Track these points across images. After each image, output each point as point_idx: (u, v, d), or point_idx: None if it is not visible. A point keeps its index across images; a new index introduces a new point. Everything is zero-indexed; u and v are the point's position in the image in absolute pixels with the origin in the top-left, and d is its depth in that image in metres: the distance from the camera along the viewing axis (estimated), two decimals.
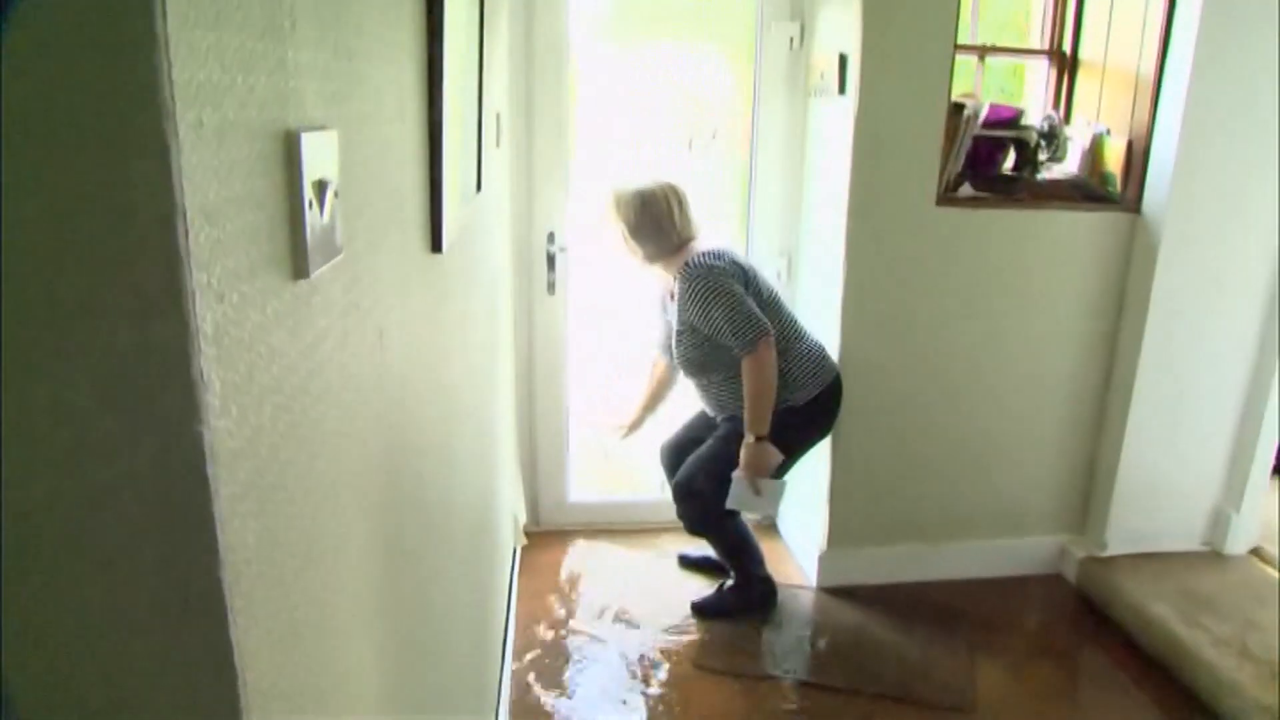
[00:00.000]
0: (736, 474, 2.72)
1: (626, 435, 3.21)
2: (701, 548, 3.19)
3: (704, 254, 2.71)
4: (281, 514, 0.61)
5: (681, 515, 2.92)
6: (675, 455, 3.05)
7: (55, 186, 0.41)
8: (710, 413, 2.96)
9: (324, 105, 0.71)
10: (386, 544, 0.97)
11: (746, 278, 2.73)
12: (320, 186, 0.67)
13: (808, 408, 2.80)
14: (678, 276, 2.71)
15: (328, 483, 0.73)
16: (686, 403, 3.12)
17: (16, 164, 0.40)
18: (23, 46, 0.40)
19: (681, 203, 2.77)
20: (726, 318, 2.61)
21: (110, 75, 0.42)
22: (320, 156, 0.68)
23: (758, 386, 2.64)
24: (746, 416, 2.67)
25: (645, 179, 2.80)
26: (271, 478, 0.59)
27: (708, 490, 2.81)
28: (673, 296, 2.76)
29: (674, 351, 2.82)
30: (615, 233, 2.79)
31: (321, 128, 0.69)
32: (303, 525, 0.67)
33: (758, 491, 2.71)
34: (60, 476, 0.45)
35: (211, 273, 0.49)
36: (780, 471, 2.79)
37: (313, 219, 0.65)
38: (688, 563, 3.31)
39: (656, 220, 2.73)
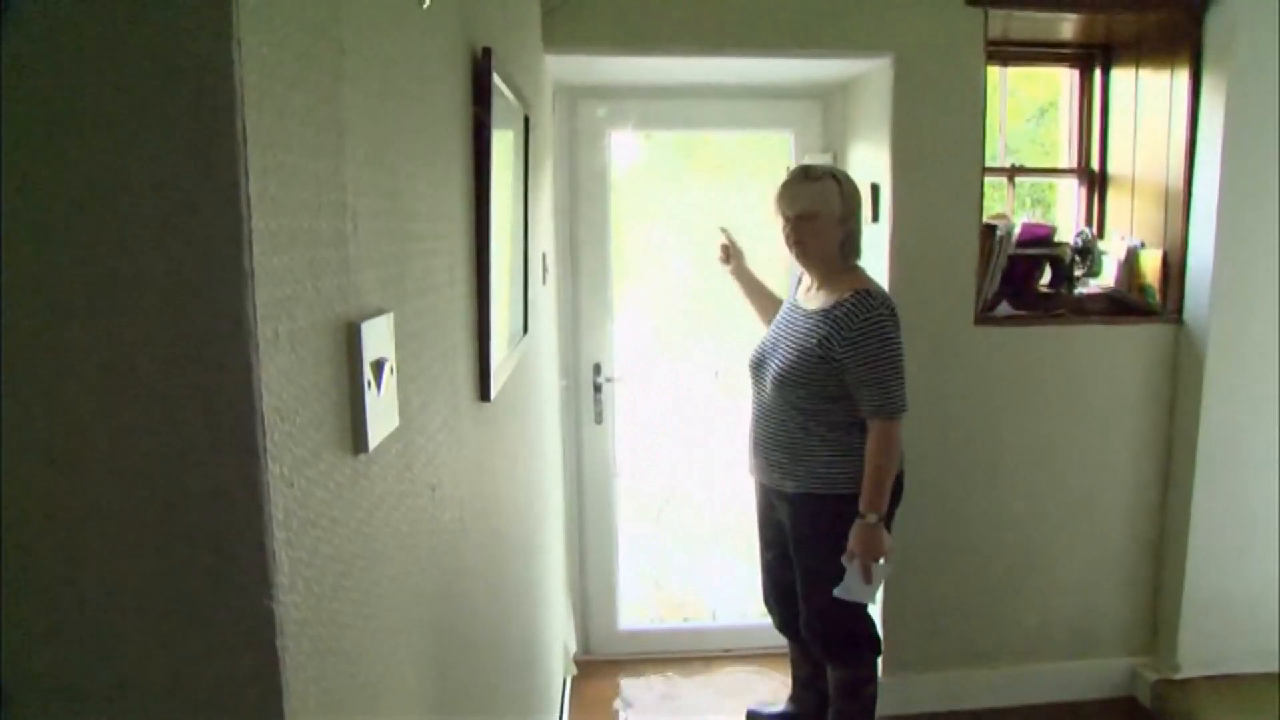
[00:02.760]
0: (850, 561, 2.35)
1: (730, 261, 2.79)
2: (777, 702, 2.99)
3: (885, 294, 2.40)
4: (341, 676, 0.66)
5: (818, 649, 2.59)
6: (782, 595, 2.70)
7: (152, 405, 0.48)
8: (764, 472, 2.54)
9: (381, 291, 0.79)
10: (439, 692, 1.01)
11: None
12: (378, 366, 0.74)
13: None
14: (851, 300, 2.34)
15: (382, 640, 0.78)
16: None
17: (126, 384, 0.47)
18: (133, 274, 0.48)
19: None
20: (882, 372, 2.30)
21: (202, 301, 0.49)
22: (378, 338, 0.75)
23: (885, 459, 2.32)
24: (867, 490, 2.33)
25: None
26: (332, 642, 0.64)
27: (831, 624, 2.50)
28: (813, 312, 2.43)
29: (780, 368, 2.43)
30: (809, 215, 2.40)
31: (378, 312, 0.76)
32: (360, 685, 0.71)
33: (868, 579, 2.35)
34: (146, 658, 0.50)
35: (283, 462, 0.55)
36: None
37: (371, 398, 0.71)
38: None
39: (857, 216, 2.44)
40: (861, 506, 2.34)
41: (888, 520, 2.40)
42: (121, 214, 0.47)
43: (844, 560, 2.36)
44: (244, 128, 0.48)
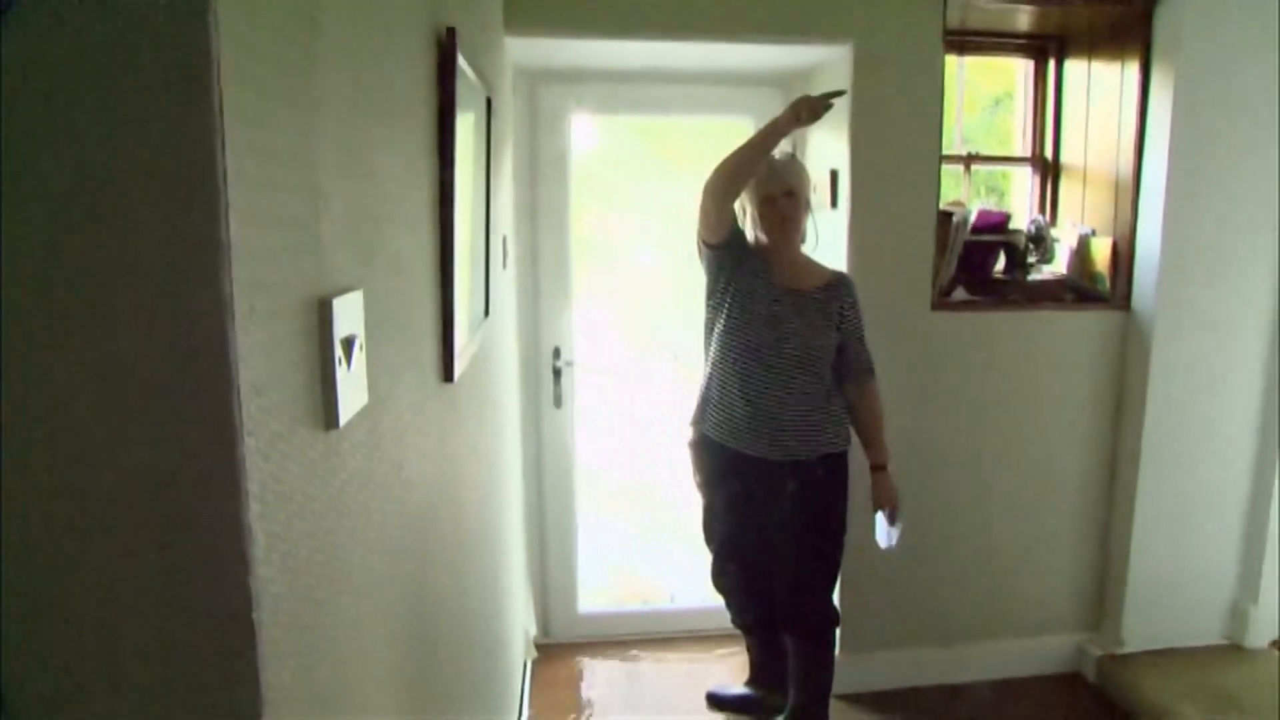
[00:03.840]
0: (880, 513, 2.59)
1: (807, 117, 2.36)
2: (735, 684, 3.07)
3: None
4: (316, 652, 0.66)
5: (794, 624, 2.66)
6: (753, 580, 2.75)
7: (130, 379, 0.48)
8: (776, 447, 2.50)
9: (351, 268, 0.79)
10: (407, 673, 1.01)
11: None
12: (348, 343, 0.74)
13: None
14: (842, 277, 2.58)
15: (354, 615, 0.78)
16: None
17: (105, 359, 0.46)
18: (112, 249, 0.47)
19: None
20: (863, 339, 2.58)
21: (180, 275, 0.49)
22: (348, 315, 0.75)
23: (882, 410, 2.60)
24: (879, 440, 2.59)
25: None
26: (307, 618, 0.64)
27: (815, 598, 2.62)
28: (817, 289, 2.51)
29: (807, 344, 2.46)
30: (796, 192, 2.50)
31: (348, 289, 0.76)
32: (333, 662, 0.71)
33: (893, 522, 2.58)
34: (124, 628, 0.50)
35: (259, 437, 0.55)
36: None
37: (342, 375, 0.71)
38: (718, 703, 3.04)
39: None
40: (881, 459, 2.58)
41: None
42: (100, 190, 0.47)
43: (879, 511, 2.60)
44: (221, 104, 0.48)
